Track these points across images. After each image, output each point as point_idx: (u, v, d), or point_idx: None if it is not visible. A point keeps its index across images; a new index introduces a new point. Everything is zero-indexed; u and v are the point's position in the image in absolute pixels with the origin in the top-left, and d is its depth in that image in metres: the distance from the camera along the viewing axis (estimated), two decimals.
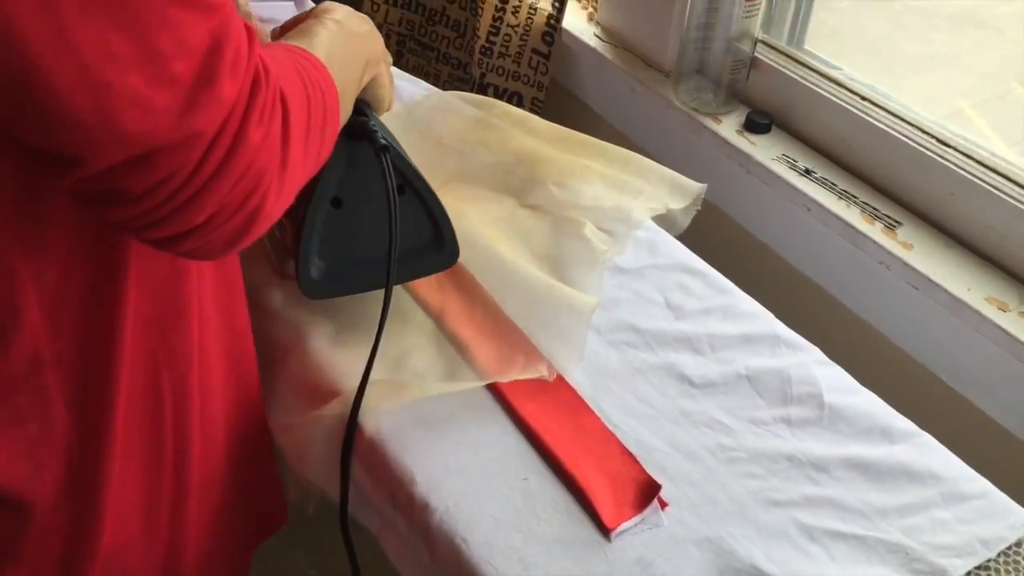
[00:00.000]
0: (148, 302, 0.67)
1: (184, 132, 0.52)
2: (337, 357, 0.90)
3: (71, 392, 0.65)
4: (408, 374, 0.89)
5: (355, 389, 0.83)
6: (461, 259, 0.94)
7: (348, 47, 0.78)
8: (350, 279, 0.89)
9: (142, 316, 0.67)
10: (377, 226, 0.83)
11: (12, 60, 0.46)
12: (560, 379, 0.91)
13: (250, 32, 0.55)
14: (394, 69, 1.33)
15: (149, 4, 0.49)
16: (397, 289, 0.93)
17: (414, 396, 0.87)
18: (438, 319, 0.95)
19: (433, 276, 0.96)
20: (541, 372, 0.90)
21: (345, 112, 0.76)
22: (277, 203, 0.60)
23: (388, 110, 0.91)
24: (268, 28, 1.30)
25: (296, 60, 0.65)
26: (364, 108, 0.86)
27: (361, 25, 0.83)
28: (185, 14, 0.50)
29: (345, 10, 0.81)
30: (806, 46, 1.43)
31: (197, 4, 0.51)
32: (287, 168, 0.59)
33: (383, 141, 0.83)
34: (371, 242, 0.86)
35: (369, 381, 0.82)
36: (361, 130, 0.84)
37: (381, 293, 0.83)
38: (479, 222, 1.04)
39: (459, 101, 1.22)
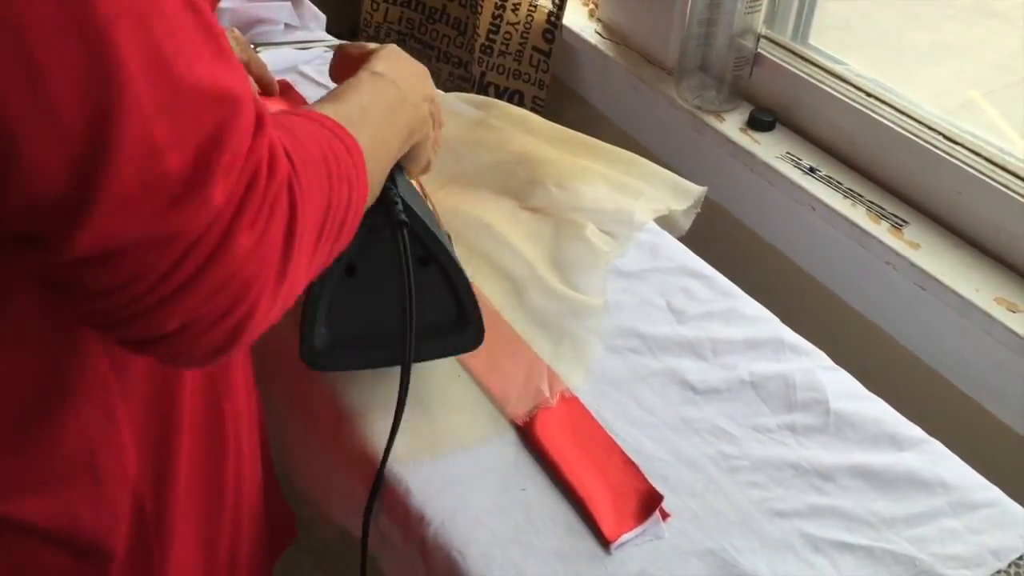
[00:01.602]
0: None
1: (160, 232, 0.46)
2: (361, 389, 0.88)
3: (142, 443, 0.63)
4: (441, 427, 0.85)
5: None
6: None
7: (395, 119, 0.71)
8: (357, 353, 0.83)
9: None
10: (393, 299, 0.76)
11: None
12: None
13: (260, 120, 0.50)
14: None
15: (151, 88, 0.44)
16: None
17: (450, 449, 0.83)
18: None
19: None
20: (543, 395, 0.87)
21: (375, 191, 0.69)
22: (269, 314, 0.53)
23: (425, 172, 0.84)
24: (262, 29, 1.29)
25: (328, 145, 0.58)
26: (393, 171, 0.77)
27: (416, 87, 0.75)
28: (189, 102, 0.46)
29: (403, 72, 0.74)
30: (814, 39, 1.41)
31: (206, 93, 0.46)
32: (287, 276, 0.52)
33: (401, 216, 0.75)
34: (385, 316, 0.78)
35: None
36: (382, 197, 0.75)
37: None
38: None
39: (459, 102, 1.20)
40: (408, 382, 0.77)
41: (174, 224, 0.46)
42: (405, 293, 0.75)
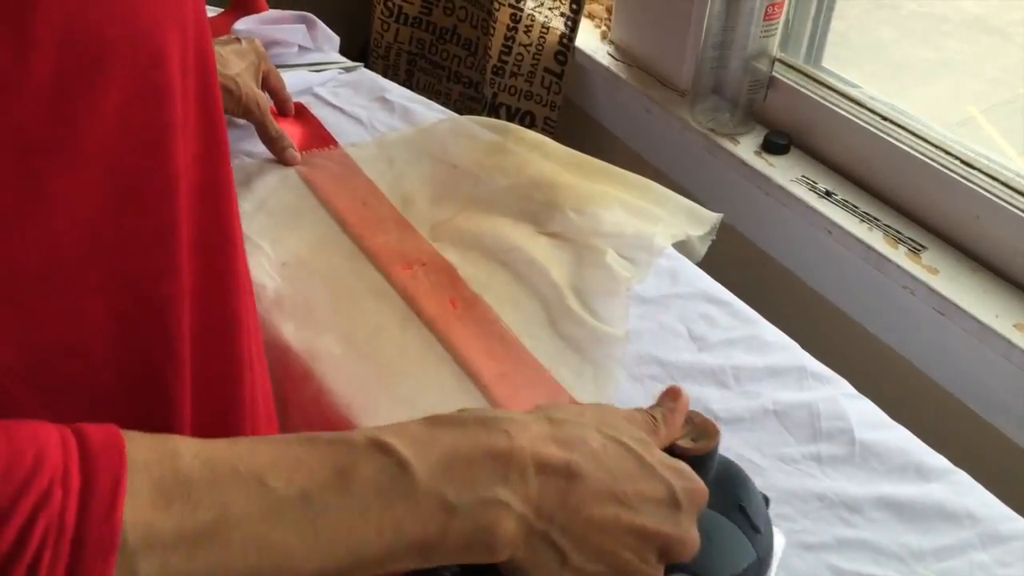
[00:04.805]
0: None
1: None
2: (349, 382, 0.87)
3: None
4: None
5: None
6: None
7: (354, 518, 0.43)
8: None
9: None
10: None
11: None
12: None
13: None
14: (405, 91, 1.32)
15: None
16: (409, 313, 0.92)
17: None
18: (455, 354, 0.92)
19: (448, 308, 0.94)
20: None
21: None
22: None
23: None
24: (276, 51, 1.29)
25: None
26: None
27: (475, 480, 0.45)
28: None
29: (449, 452, 0.45)
30: (823, 61, 1.41)
31: None
32: None
33: None
34: None
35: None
36: None
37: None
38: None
39: (474, 125, 1.20)
40: None
41: None
42: None
